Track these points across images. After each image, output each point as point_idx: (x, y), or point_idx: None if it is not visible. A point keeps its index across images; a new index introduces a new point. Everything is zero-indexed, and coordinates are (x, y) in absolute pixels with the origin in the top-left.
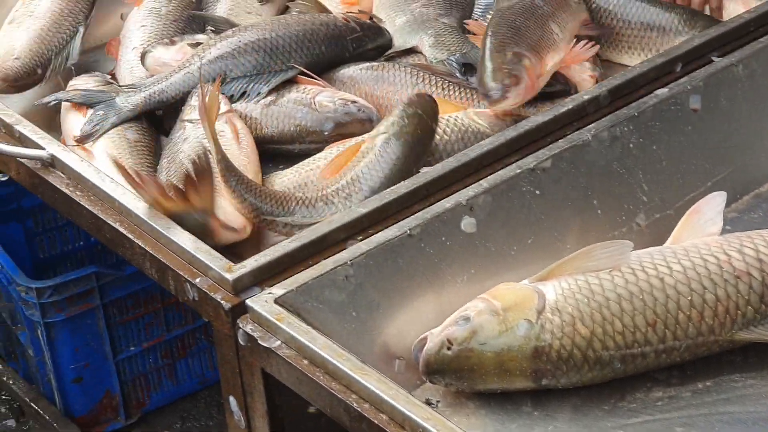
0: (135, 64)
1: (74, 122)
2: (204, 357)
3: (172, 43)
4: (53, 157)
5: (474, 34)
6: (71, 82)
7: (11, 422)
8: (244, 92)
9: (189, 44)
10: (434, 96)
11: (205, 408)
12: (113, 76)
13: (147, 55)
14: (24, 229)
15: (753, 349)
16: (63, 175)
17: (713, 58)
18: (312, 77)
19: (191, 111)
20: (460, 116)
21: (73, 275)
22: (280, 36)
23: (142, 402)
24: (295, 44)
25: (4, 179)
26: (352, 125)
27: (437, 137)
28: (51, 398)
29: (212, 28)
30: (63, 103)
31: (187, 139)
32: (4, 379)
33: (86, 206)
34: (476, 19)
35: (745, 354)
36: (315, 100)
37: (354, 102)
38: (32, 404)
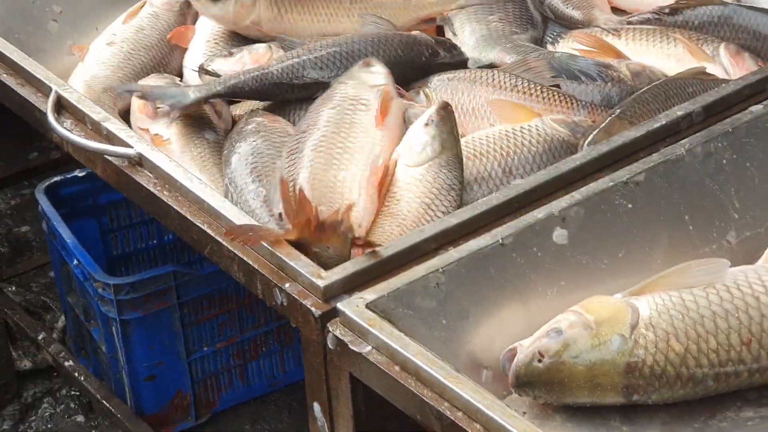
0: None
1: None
2: (275, 359)
3: (230, 54)
4: (141, 156)
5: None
6: (141, 81)
7: (81, 418)
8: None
9: (249, 54)
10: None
11: (275, 411)
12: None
13: (205, 68)
14: (99, 225)
15: None
16: (150, 174)
17: None
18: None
19: None
20: (540, 125)
21: (150, 273)
22: (355, 42)
23: (212, 402)
24: (371, 47)
25: (81, 175)
26: None
27: (525, 149)
28: (121, 396)
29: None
30: (132, 105)
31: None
32: (75, 374)
33: (174, 206)
34: (550, 42)
35: None
36: (405, 115)
37: None
38: (103, 401)
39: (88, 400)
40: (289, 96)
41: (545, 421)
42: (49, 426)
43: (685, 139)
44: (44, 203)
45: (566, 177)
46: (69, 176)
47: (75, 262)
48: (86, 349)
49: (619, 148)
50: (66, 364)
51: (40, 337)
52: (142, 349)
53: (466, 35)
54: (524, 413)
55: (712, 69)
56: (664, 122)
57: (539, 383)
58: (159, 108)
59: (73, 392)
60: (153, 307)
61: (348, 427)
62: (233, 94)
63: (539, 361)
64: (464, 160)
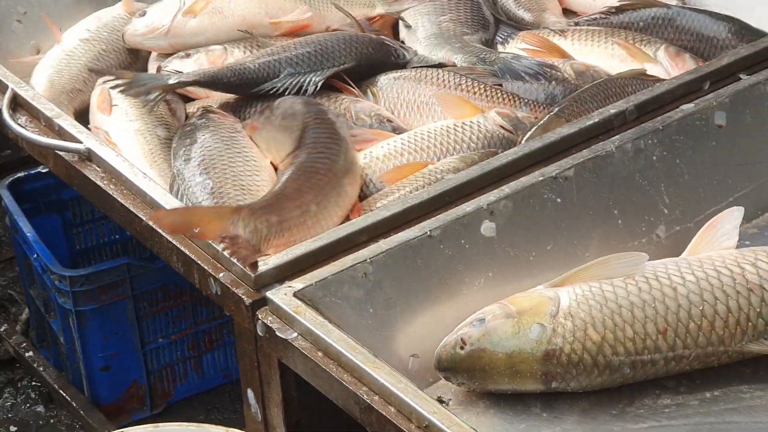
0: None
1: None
2: (230, 351)
3: (188, 56)
4: (90, 151)
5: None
6: (102, 79)
7: (40, 408)
8: (300, 86)
9: (205, 55)
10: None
11: (229, 402)
12: None
13: (162, 70)
14: (62, 220)
15: (763, 362)
16: (98, 169)
17: (741, 76)
18: (350, 85)
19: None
20: (482, 121)
21: (105, 265)
22: (329, 39)
23: (167, 393)
24: (344, 45)
25: (44, 171)
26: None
27: (464, 144)
28: (79, 386)
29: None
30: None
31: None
32: (35, 365)
33: (119, 199)
34: (501, 42)
35: (755, 366)
36: (352, 110)
37: (390, 121)
38: (60, 391)
39: (48, 391)
40: (262, 91)
41: (469, 407)
42: (9, 415)
43: (616, 136)
44: (7, 198)
45: (498, 172)
46: (32, 172)
47: (35, 255)
48: (48, 341)
49: (551, 145)
50: (26, 355)
51: (1, 329)
52: (97, 340)
53: (418, 33)
54: (449, 399)
55: (653, 70)
56: (597, 120)
57: (461, 369)
58: (115, 105)
59: (33, 383)
60: (107, 299)
61: (278, 411)
62: (211, 85)
63: (461, 348)
64: (405, 154)
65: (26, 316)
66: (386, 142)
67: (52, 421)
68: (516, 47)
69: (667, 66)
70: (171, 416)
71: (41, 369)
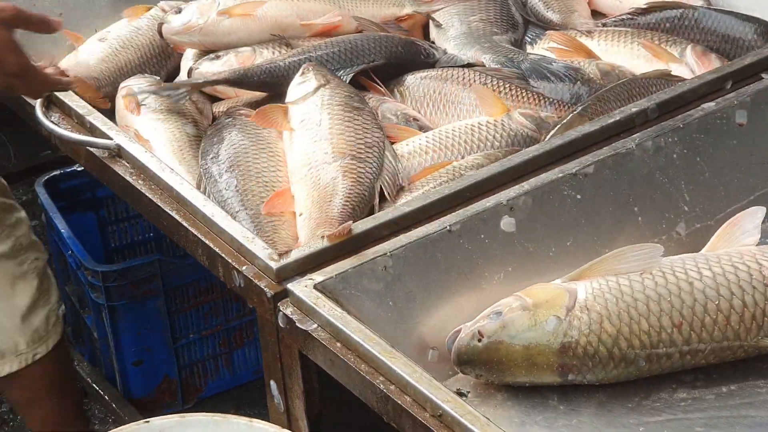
0: None
1: (128, 119)
2: (260, 348)
3: (218, 57)
4: (119, 147)
5: (559, 47)
6: (124, 83)
7: None
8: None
9: (235, 56)
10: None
11: (259, 397)
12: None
13: (194, 71)
14: (97, 218)
15: None
16: (128, 165)
17: (763, 76)
18: (378, 84)
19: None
20: (506, 120)
21: (137, 261)
22: (358, 39)
23: (198, 388)
24: (374, 44)
25: (80, 169)
26: None
27: (488, 143)
28: (113, 381)
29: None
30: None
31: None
32: None
33: (147, 194)
34: (529, 42)
35: None
36: (379, 109)
37: (416, 119)
38: (94, 385)
39: (82, 385)
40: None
41: (487, 399)
42: None
43: (637, 134)
44: (42, 196)
45: (518, 169)
46: (68, 170)
47: (69, 252)
48: (82, 337)
49: (572, 142)
50: None
51: None
52: (129, 335)
53: (449, 33)
54: (468, 392)
55: (679, 70)
56: (618, 118)
57: (479, 362)
58: (143, 105)
59: None
60: (139, 295)
61: (300, 403)
62: (240, 83)
63: (479, 340)
64: (430, 152)
65: (62, 312)
66: (411, 139)
67: (86, 414)
68: (543, 47)
69: (693, 66)
70: (201, 410)
71: (76, 364)
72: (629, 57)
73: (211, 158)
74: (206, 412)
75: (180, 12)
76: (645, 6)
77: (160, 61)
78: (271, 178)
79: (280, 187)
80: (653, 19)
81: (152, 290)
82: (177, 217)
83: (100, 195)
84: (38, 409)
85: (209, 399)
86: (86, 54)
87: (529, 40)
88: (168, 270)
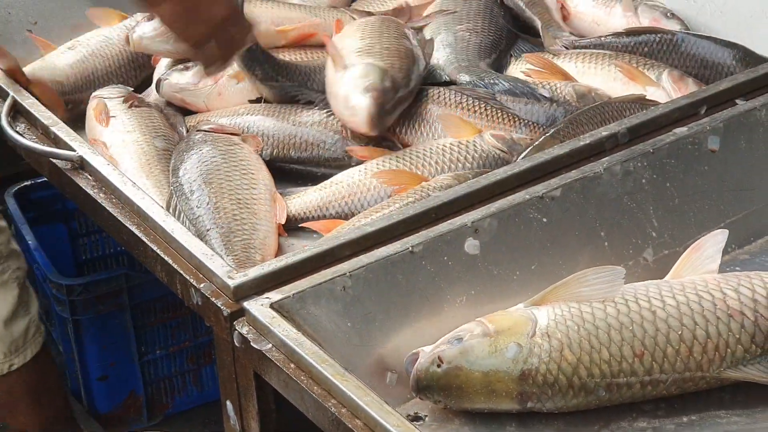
0: None
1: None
2: None
3: (186, 69)
4: (82, 159)
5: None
6: (95, 93)
7: None
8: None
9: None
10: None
11: None
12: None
13: (162, 82)
14: (68, 230)
15: (741, 388)
16: (90, 178)
17: (738, 102)
18: None
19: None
20: (479, 141)
21: (103, 275)
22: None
23: (165, 405)
24: None
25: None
26: None
27: (460, 164)
28: (78, 395)
29: None
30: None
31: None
32: None
33: (108, 208)
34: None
35: (733, 392)
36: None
37: (384, 140)
38: None
39: None
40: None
41: (444, 424)
42: None
43: (605, 158)
44: (11, 206)
45: (486, 191)
46: (39, 181)
47: (35, 264)
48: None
49: (541, 165)
50: None
51: None
52: (95, 349)
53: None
54: (425, 416)
55: (655, 94)
56: (588, 141)
57: (438, 387)
58: (113, 117)
59: None
60: (105, 309)
61: (255, 424)
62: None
63: (438, 366)
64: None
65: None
66: (381, 159)
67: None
68: (521, 69)
69: (669, 90)
70: (168, 428)
71: None
72: (605, 79)
73: (183, 174)
74: (172, 428)
75: (152, 18)
76: (623, 30)
77: (129, 71)
78: (245, 196)
79: (255, 205)
80: (631, 42)
81: (118, 305)
82: (137, 231)
83: (70, 207)
84: (18, 415)
85: (176, 416)
86: (53, 59)
87: (516, 54)
88: (135, 284)
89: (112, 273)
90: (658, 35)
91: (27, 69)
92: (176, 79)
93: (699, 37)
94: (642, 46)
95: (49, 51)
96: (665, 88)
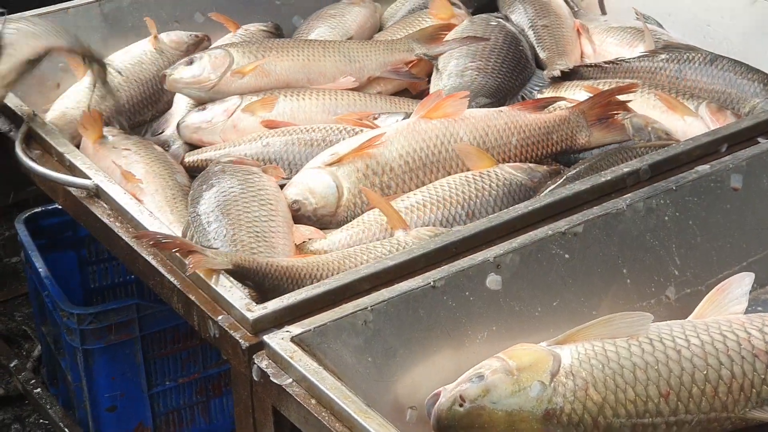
0: None
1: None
2: None
3: (203, 109)
4: (98, 188)
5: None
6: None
7: None
8: None
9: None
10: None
11: None
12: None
13: (180, 126)
14: (78, 257)
15: (766, 429)
16: (106, 206)
17: (760, 140)
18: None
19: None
20: (498, 171)
21: (114, 305)
22: None
23: None
24: None
25: (61, 207)
26: None
27: (486, 192)
28: (85, 425)
29: None
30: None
31: None
32: (42, 403)
33: (124, 237)
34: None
35: None
36: None
37: None
38: (66, 430)
39: (54, 429)
40: None
41: None
42: None
43: (628, 195)
44: (22, 233)
45: (507, 226)
46: (49, 208)
47: (45, 292)
48: (57, 379)
49: (563, 200)
50: (35, 392)
51: (12, 365)
52: (103, 380)
53: (443, 80)
54: None
55: (694, 124)
56: (609, 177)
57: (460, 427)
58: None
59: (41, 420)
60: (116, 339)
61: None
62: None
63: (460, 405)
64: (428, 205)
65: (38, 353)
66: (407, 196)
67: None
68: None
69: (708, 121)
70: None
71: (48, 407)
72: (645, 107)
73: (200, 205)
74: None
75: (191, 63)
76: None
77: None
78: (263, 228)
79: (273, 238)
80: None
81: (129, 335)
82: (153, 262)
83: (81, 234)
84: None
85: None
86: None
87: (537, 89)
88: (146, 315)
89: (123, 303)
90: (689, 53)
91: (57, 106)
92: (192, 119)
93: (729, 60)
94: (671, 64)
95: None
96: (704, 119)
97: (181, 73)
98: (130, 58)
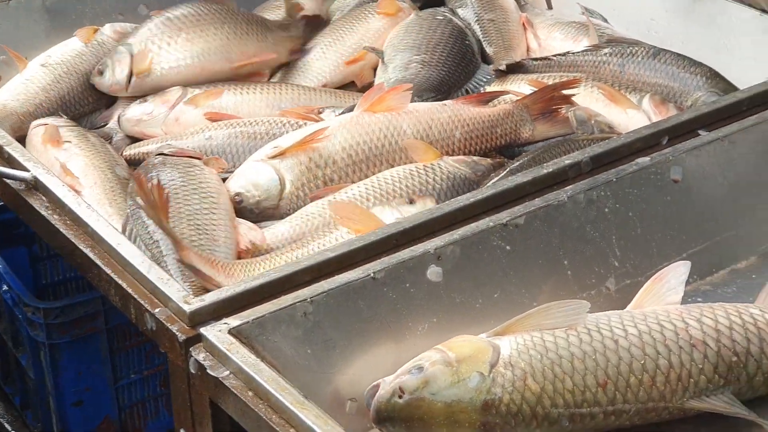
0: None
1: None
2: None
3: (143, 101)
4: (36, 180)
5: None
6: (37, 122)
7: None
8: None
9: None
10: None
11: None
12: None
13: (121, 118)
14: (29, 253)
15: (704, 418)
16: (44, 198)
17: (700, 133)
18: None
19: None
20: (442, 164)
21: (80, 298)
22: None
23: (138, 429)
24: None
25: None
26: None
27: (429, 186)
28: (46, 422)
29: None
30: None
31: None
32: None
33: (61, 230)
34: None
35: (696, 422)
36: None
37: None
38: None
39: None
40: None
41: None
42: None
43: (569, 186)
44: None
45: (448, 217)
46: (0, 204)
47: (5, 287)
48: (13, 377)
49: (504, 192)
50: None
51: None
52: (70, 374)
53: (388, 72)
54: None
55: (636, 117)
56: (551, 169)
57: (399, 419)
58: (67, 142)
59: None
60: (82, 332)
61: None
62: None
63: (399, 397)
64: (371, 199)
65: None
66: (350, 188)
67: None
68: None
69: (650, 113)
70: None
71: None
72: (587, 100)
73: (140, 198)
74: None
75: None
76: (590, 46)
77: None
78: (204, 221)
79: (214, 231)
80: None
81: (95, 328)
82: (91, 255)
83: (32, 230)
84: None
85: None
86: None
87: (484, 81)
88: (111, 307)
89: (89, 296)
90: (633, 47)
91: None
92: (132, 112)
93: (673, 54)
94: (615, 58)
95: (23, 65)
96: (646, 112)
97: (134, 112)
98: (70, 50)
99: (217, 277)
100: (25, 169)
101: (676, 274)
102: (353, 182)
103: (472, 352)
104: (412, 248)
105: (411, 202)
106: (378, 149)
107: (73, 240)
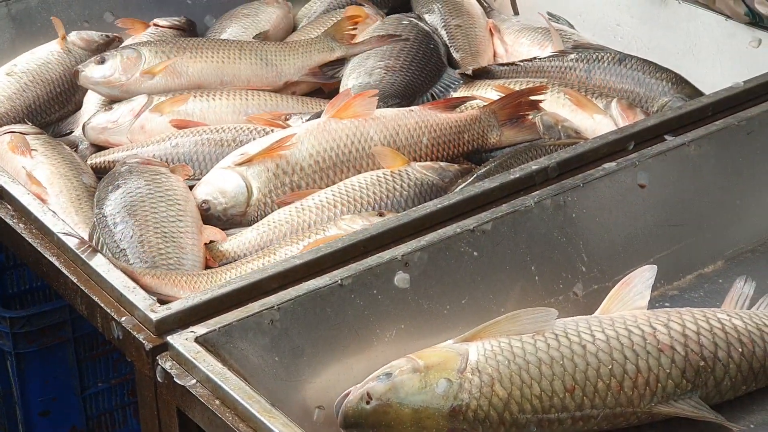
0: None
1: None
2: None
3: (109, 109)
4: (1, 188)
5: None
6: (2, 129)
7: None
8: None
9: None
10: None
11: None
12: None
13: (86, 127)
14: None
15: (672, 423)
16: (9, 207)
17: (666, 138)
18: None
19: None
20: (410, 170)
21: (47, 307)
22: None
23: None
24: None
25: None
26: None
27: (396, 193)
28: None
29: None
30: (2, 145)
31: None
32: None
33: (27, 239)
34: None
35: (664, 428)
36: None
37: None
38: None
39: None
40: None
41: None
42: None
43: (536, 192)
44: None
45: (416, 224)
46: None
47: None
48: None
49: (471, 199)
50: None
51: None
52: (37, 384)
53: (350, 79)
54: None
55: (603, 121)
56: (518, 175)
57: (366, 425)
58: (34, 150)
59: None
60: (49, 342)
61: None
62: None
63: (367, 402)
64: (338, 205)
65: None
66: (318, 194)
67: None
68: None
69: (617, 118)
70: None
71: None
72: (554, 105)
73: (106, 206)
74: None
75: (103, 62)
76: (557, 52)
77: (69, 96)
78: (171, 229)
79: (181, 239)
80: (571, 63)
81: (62, 337)
82: (57, 263)
83: None
84: None
85: None
86: None
87: (453, 86)
88: (78, 316)
89: (55, 304)
90: (599, 53)
91: None
92: (97, 120)
93: (639, 59)
94: (582, 63)
95: None
96: (613, 116)
97: (92, 71)
98: (36, 59)
99: (182, 294)
100: None
101: (642, 278)
102: (321, 189)
103: (441, 360)
104: (379, 255)
105: (381, 215)
106: (345, 156)
107: (38, 249)
